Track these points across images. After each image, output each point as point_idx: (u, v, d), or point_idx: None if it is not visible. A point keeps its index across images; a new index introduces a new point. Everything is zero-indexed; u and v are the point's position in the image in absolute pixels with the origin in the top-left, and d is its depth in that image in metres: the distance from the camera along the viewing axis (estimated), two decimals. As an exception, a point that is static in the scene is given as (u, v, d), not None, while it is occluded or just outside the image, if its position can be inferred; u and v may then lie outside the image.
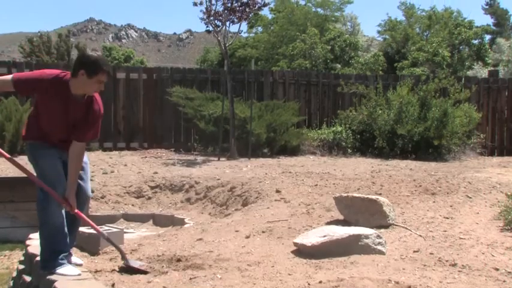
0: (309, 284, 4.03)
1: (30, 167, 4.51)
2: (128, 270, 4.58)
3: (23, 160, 4.64)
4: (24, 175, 4.50)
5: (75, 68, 4.27)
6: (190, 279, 4.23)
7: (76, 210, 4.42)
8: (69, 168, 4.36)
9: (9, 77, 4.31)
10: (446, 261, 4.59)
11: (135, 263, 4.67)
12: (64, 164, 4.40)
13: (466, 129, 13.45)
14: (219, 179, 8.80)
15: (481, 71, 29.38)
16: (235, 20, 12.33)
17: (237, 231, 5.66)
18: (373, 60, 30.50)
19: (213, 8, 12.14)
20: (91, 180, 8.22)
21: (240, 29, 16.03)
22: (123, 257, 4.66)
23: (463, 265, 4.49)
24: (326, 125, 14.34)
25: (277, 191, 7.46)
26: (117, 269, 4.63)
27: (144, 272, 4.50)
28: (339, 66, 31.58)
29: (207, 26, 12.46)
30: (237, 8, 12.17)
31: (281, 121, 12.97)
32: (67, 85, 4.28)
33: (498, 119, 16.14)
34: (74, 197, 4.36)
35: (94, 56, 4.33)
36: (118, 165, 10.25)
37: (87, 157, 4.65)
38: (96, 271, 4.54)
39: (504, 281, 4.18)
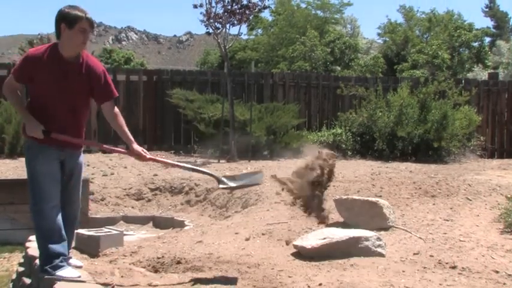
0: (309, 286, 4.02)
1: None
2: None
3: (23, 162, 4.64)
4: (24, 177, 4.48)
5: (56, 27, 4.26)
6: (190, 281, 4.23)
7: (149, 156, 4.53)
8: (116, 125, 4.49)
9: (10, 79, 4.31)
10: (446, 263, 4.59)
11: (240, 179, 4.71)
12: (61, 164, 4.37)
13: (466, 131, 13.44)
14: (219, 181, 8.78)
15: (481, 74, 29.42)
16: (235, 22, 12.33)
17: (236, 233, 5.66)
18: (373, 62, 30.54)
19: (213, 10, 12.15)
20: (91, 182, 8.26)
21: (240, 31, 16.12)
22: (220, 181, 4.66)
23: (463, 267, 4.49)
24: (326, 127, 14.32)
25: (277, 193, 7.45)
26: (118, 270, 4.63)
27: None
28: (338, 68, 31.62)
29: (207, 28, 12.47)
30: (237, 11, 12.17)
31: (281, 123, 12.97)
32: (58, 52, 4.25)
33: (498, 122, 16.13)
34: (138, 147, 4.50)
35: (68, 8, 4.25)
36: (118, 167, 10.24)
37: (83, 159, 4.61)
38: (96, 273, 4.53)
39: (504, 284, 4.18)
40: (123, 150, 4.55)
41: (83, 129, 4.51)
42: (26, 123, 4.24)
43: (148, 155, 4.52)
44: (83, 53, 4.36)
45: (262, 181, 4.81)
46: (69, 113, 4.32)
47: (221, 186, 4.72)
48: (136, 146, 4.48)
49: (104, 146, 4.54)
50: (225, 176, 4.81)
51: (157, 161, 4.91)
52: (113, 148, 4.53)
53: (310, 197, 4.53)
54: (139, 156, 4.48)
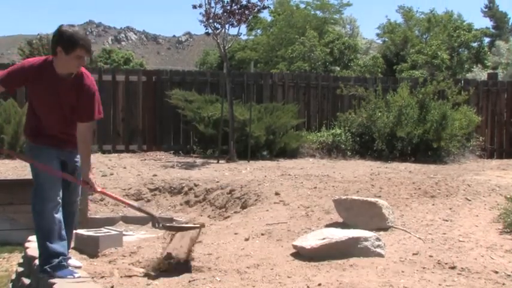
0: (308, 286, 4.02)
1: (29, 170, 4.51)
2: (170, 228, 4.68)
3: (22, 162, 4.69)
4: (24, 178, 4.51)
5: (53, 45, 4.23)
6: (190, 281, 4.23)
7: (100, 189, 4.51)
8: (79, 150, 4.41)
9: None
10: (446, 264, 4.59)
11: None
12: (62, 163, 4.40)
13: (466, 131, 13.44)
14: (218, 182, 8.79)
15: (480, 74, 29.45)
16: (235, 22, 12.32)
17: (236, 233, 5.66)
18: (372, 62, 30.55)
19: (213, 10, 12.14)
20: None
21: (239, 31, 16.13)
22: (156, 221, 4.66)
23: (462, 268, 4.49)
24: (325, 128, 14.32)
25: (277, 194, 7.45)
26: (117, 271, 4.63)
27: (192, 227, 4.58)
28: (337, 68, 31.63)
29: (206, 29, 12.46)
30: (237, 11, 12.16)
31: (280, 123, 12.97)
32: (52, 67, 4.25)
33: (497, 122, 16.13)
34: (91, 178, 4.41)
35: (69, 31, 4.17)
36: (117, 168, 10.24)
37: None
38: (95, 273, 4.53)
39: (503, 284, 4.18)
40: (75, 178, 4.49)
41: (75, 135, 4.48)
42: None
43: (99, 188, 4.50)
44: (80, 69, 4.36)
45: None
46: (60, 123, 4.38)
47: (157, 226, 4.71)
48: (91, 176, 4.44)
49: (64, 174, 4.45)
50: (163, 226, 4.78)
51: (107, 195, 4.82)
52: (66, 175, 4.45)
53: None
54: (90, 187, 4.44)
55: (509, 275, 4.35)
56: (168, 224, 4.69)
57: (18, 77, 4.29)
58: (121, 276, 4.50)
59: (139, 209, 4.83)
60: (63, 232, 4.36)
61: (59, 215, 4.31)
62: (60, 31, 4.21)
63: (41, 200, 4.26)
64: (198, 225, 4.61)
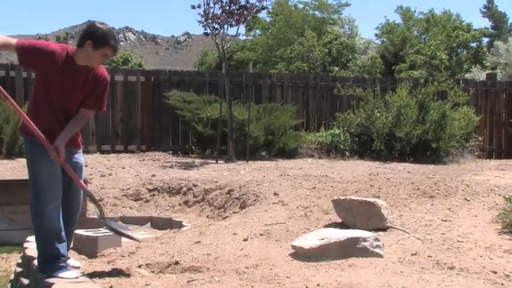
0: (307, 286, 4.02)
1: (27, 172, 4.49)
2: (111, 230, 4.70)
3: (21, 163, 4.68)
4: (22, 178, 4.49)
5: (82, 38, 4.29)
6: (188, 281, 4.23)
7: (62, 162, 4.29)
8: (68, 124, 4.34)
9: (13, 40, 4.24)
10: (444, 264, 4.59)
11: (120, 227, 4.76)
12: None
13: (464, 131, 13.45)
14: (217, 182, 8.79)
15: (479, 74, 29.46)
16: (233, 22, 12.32)
17: (235, 234, 5.66)
18: (371, 62, 30.57)
19: (211, 10, 12.14)
20: (89, 183, 8.25)
21: (238, 31, 16.17)
22: (102, 216, 4.59)
23: (461, 268, 4.49)
24: (324, 128, 14.33)
25: (275, 194, 7.45)
26: (112, 269, 4.63)
27: (128, 237, 4.60)
28: (336, 69, 31.64)
29: (205, 29, 12.46)
30: (235, 11, 12.16)
31: (279, 124, 12.97)
32: (73, 57, 4.29)
33: (496, 122, 16.15)
34: (63, 148, 4.24)
35: (103, 28, 4.28)
36: (116, 168, 10.23)
37: (83, 160, 4.62)
38: (94, 274, 4.53)
39: (502, 284, 4.18)
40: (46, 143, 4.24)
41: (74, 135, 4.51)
42: None
43: (62, 161, 4.27)
44: None
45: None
46: (59, 112, 4.35)
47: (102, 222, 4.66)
48: (60, 145, 4.23)
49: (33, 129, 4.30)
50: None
51: (66, 168, 4.39)
52: (38, 133, 4.29)
53: None
54: (57, 155, 4.20)
55: (507, 275, 4.36)
56: (111, 226, 4.68)
57: (37, 55, 4.23)
58: (120, 277, 4.50)
59: (90, 196, 4.65)
60: (63, 233, 4.35)
61: (59, 215, 4.30)
62: (94, 26, 4.29)
63: (41, 200, 4.24)
64: (138, 239, 4.67)
